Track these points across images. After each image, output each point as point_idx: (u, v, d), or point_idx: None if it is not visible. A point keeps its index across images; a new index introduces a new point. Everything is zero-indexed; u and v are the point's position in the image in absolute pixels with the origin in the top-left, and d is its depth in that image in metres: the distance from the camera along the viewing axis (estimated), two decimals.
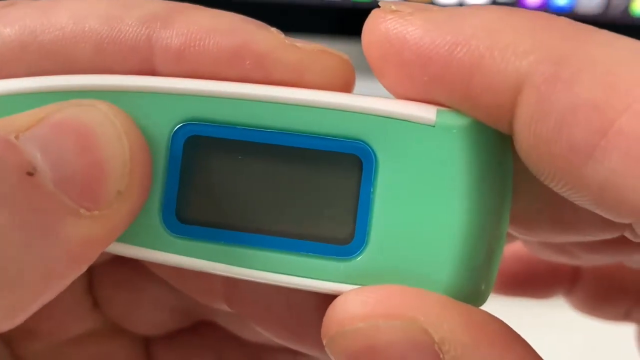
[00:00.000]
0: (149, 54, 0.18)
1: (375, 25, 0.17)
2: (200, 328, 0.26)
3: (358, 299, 0.17)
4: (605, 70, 0.15)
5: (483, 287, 0.18)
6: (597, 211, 0.16)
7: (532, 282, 0.30)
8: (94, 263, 0.25)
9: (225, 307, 0.23)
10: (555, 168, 0.16)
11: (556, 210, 0.22)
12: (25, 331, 0.23)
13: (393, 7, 0.18)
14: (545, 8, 0.67)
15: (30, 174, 0.16)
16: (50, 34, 0.18)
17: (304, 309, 0.22)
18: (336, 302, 0.17)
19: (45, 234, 0.16)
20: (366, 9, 0.67)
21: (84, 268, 0.17)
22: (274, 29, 0.19)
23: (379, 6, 0.18)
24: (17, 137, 0.16)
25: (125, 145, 0.17)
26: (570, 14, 0.67)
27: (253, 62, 0.18)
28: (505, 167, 0.18)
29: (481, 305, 0.18)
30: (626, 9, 0.66)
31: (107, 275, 0.24)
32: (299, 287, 0.18)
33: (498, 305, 0.20)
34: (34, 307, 0.16)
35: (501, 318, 0.17)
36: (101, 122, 0.17)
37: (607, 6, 0.66)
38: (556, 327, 0.50)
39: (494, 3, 0.67)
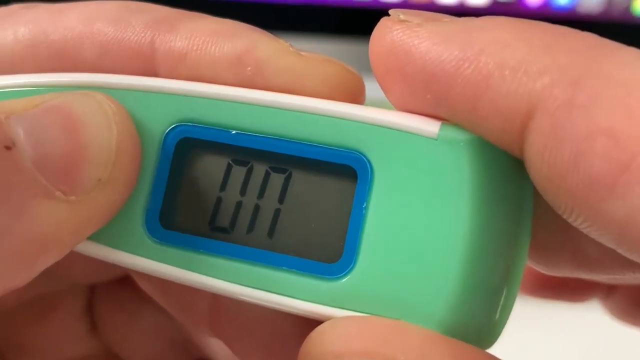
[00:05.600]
0: (151, 56, 0.18)
1: (381, 35, 0.16)
2: None
3: (335, 333, 0.16)
4: (626, 94, 0.14)
5: (488, 325, 0.16)
6: (619, 250, 0.15)
7: (569, 285, 0.28)
8: (94, 283, 0.24)
9: (208, 333, 0.22)
10: (571, 202, 0.14)
11: (579, 245, 0.20)
12: (18, 347, 0.23)
13: (402, 16, 0.16)
14: (546, 8, 0.66)
15: (8, 147, 0.15)
16: (59, 34, 0.19)
17: (288, 337, 0.20)
18: (313, 334, 0.16)
19: (16, 210, 0.15)
20: (369, 9, 0.66)
21: (56, 256, 0.16)
22: (281, 40, 0.18)
23: (388, 14, 0.17)
24: (7, 118, 0.16)
25: (113, 135, 0.17)
26: (571, 13, 0.66)
27: (254, 68, 0.17)
28: (521, 190, 0.16)
29: (488, 346, 0.16)
30: (627, 9, 0.65)
31: (107, 297, 0.24)
32: (278, 306, 0.17)
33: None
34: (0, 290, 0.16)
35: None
36: (92, 110, 0.17)
37: (609, 6, 0.65)
38: (564, 328, 0.49)
39: (494, 2, 0.66)
